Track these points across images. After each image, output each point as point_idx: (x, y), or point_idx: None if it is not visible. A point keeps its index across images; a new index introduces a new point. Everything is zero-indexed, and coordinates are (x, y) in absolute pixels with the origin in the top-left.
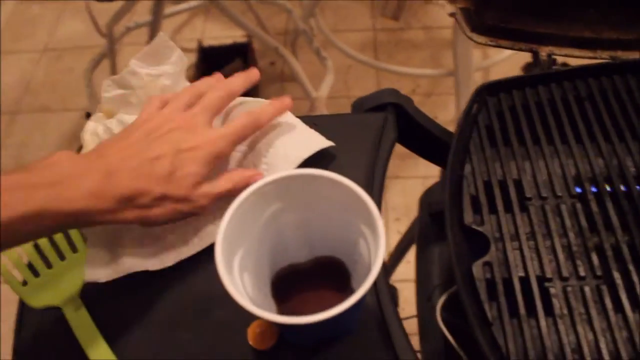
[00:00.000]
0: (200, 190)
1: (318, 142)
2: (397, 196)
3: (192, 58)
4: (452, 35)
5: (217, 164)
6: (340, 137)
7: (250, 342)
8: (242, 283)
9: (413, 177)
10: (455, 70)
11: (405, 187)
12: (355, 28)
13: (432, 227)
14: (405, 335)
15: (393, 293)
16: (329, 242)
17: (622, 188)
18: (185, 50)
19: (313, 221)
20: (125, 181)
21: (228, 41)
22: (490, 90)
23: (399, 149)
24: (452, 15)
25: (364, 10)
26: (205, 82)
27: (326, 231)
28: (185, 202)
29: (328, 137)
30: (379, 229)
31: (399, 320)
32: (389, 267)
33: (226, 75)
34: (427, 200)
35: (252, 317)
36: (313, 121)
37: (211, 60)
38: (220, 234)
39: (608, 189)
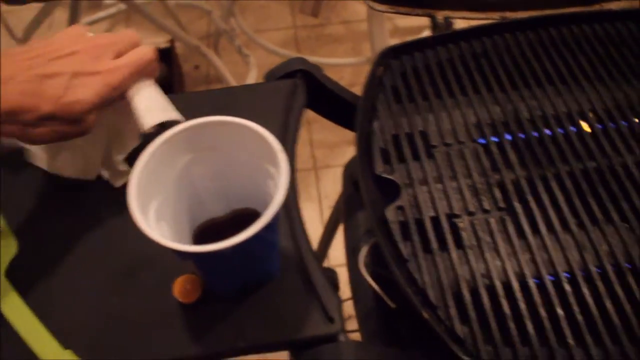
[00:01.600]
0: (91, 115)
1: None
2: (329, 184)
3: None
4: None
5: (115, 99)
6: (254, 103)
7: (176, 296)
8: (160, 231)
9: (342, 165)
10: (372, 55)
11: (336, 175)
12: (277, 27)
13: (356, 195)
14: (329, 286)
15: (332, 276)
16: (244, 193)
17: (518, 132)
18: None
19: (226, 173)
20: (13, 95)
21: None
22: (394, 54)
23: (327, 140)
24: None
25: (283, 9)
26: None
27: (239, 182)
28: (73, 124)
29: (243, 106)
30: (280, 160)
31: (319, 265)
32: (322, 248)
33: None
34: (349, 171)
35: (176, 274)
36: (227, 92)
37: None
38: (134, 179)
39: (506, 133)
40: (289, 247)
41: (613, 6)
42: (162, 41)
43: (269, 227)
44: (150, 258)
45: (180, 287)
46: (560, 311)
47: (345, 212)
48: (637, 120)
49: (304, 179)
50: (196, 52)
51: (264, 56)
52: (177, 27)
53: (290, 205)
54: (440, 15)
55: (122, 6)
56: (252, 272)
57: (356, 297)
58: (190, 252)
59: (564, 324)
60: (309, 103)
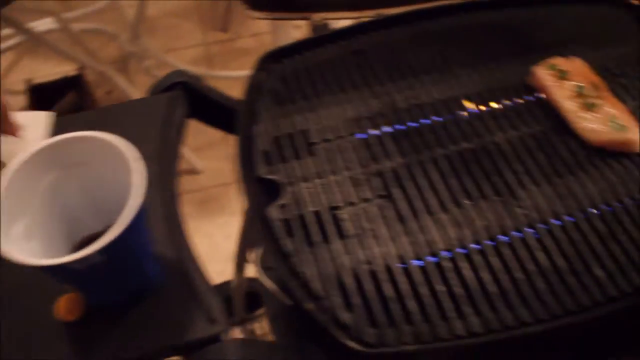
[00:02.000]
0: None
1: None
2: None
3: (23, 100)
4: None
5: None
6: (134, 119)
7: (59, 316)
8: (31, 250)
9: None
10: None
11: None
12: (188, 45)
13: None
14: (211, 288)
15: (254, 285)
16: (116, 207)
17: (396, 123)
18: (15, 93)
19: (96, 188)
20: None
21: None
22: (274, 58)
23: None
24: None
25: (194, 27)
26: None
27: (110, 196)
28: None
29: (123, 122)
30: (133, 168)
31: (201, 269)
32: (240, 257)
33: (60, 111)
34: None
35: (57, 295)
36: (106, 111)
37: (44, 99)
38: None
39: (384, 124)
40: (171, 254)
41: None
42: (70, 69)
43: (129, 236)
44: (29, 282)
45: (62, 307)
46: (440, 287)
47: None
48: (508, 101)
49: (226, 193)
50: (107, 78)
51: None
52: (84, 53)
53: (171, 212)
54: (317, 17)
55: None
56: (127, 281)
57: (265, 299)
58: (45, 266)
59: (444, 298)
60: (193, 113)
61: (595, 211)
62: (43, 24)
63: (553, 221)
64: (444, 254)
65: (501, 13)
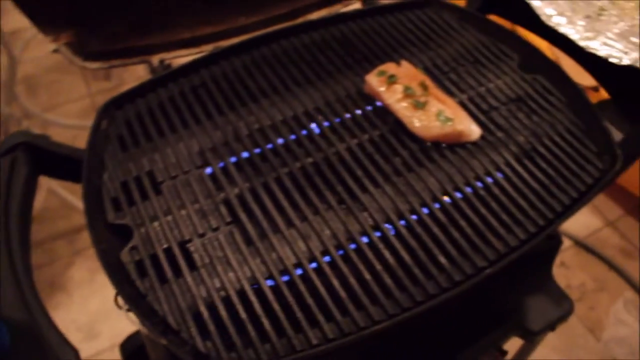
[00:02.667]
0: None
1: None
2: None
3: None
4: None
5: None
6: None
7: None
8: None
9: None
10: None
11: None
12: (72, 98)
13: None
14: (64, 339)
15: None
16: None
17: (240, 150)
18: None
19: None
20: None
21: None
22: (116, 104)
23: None
24: (55, 51)
25: (76, 79)
26: None
27: None
28: None
29: None
30: None
31: (58, 335)
32: None
33: None
34: None
35: None
36: None
37: None
38: None
39: (229, 153)
40: (20, 314)
41: (314, 16)
42: None
43: None
44: None
45: None
46: (292, 301)
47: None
48: (347, 112)
49: None
50: None
51: (61, 132)
52: None
53: (21, 275)
54: (155, 59)
55: None
56: None
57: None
58: None
59: (297, 311)
60: (44, 171)
61: (435, 203)
62: None
63: (396, 219)
64: (296, 271)
65: (331, 30)
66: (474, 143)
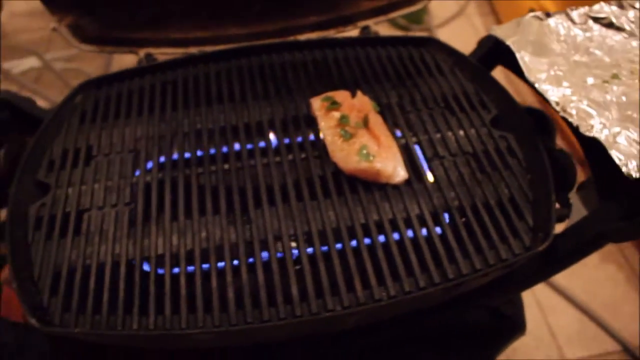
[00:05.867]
0: None
1: None
2: None
3: None
4: None
5: None
6: None
7: None
8: None
9: None
10: None
11: None
12: None
13: None
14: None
15: None
16: None
17: (171, 145)
18: None
19: None
20: None
21: None
22: (96, 84)
23: None
24: (54, 30)
25: None
26: None
27: None
28: None
29: None
30: None
31: None
32: None
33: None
34: None
35: None
36: None
37: None
38: None
39: (160, 147)
40: None
41: (304, 37)
42: None
43: None
44: None
45: None
46: (138, 285)
47: None
48: (286, 130)
49: None
50: None
51: None
52: None
53: None
54: (142, 51)
55: None
56: None
57: None
58: None
59: (136, 297)
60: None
61: (321, 237)
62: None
63: (272, 241)
64: (159, 261)
65: (315, 53)
66: (395, 186)
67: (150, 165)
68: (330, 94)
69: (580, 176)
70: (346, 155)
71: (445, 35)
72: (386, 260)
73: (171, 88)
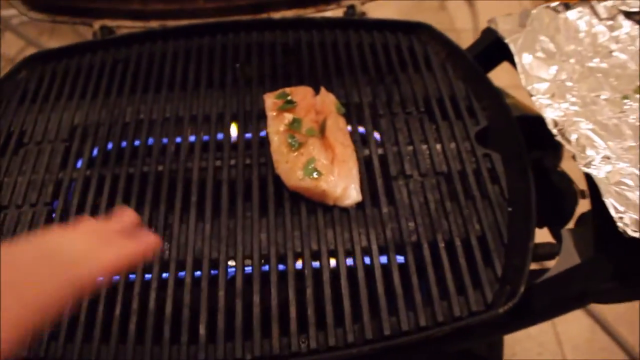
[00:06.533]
0: None
1: None
2: None
3: None
4: None
5: None
6: None
7: None
8: None
9: None
10: None
11: None
12: None
13: None
14: None
15: None
16: None
17: (111, 136)
18: None
19: None
20: None
21: None
22: (43, 59)
23: None
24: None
25: None
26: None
27: None
28: None
29: None
30: None
31: None
32: None
33: None
34: None
35: None
36: None
37: None
38: None
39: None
40: None
41: (279, 15)
42: None
43: None
44: None
45: None
46: None
47: None
48: (232, 131)
49: None
50: None
51: None
52: None
53: None
54: (97, 24)
55: None
56: None
57: None
58: None
59: None
60: None
61: (242, 261)
62: None
63: (191, 262)
64: None
65: (289, 35)
66: (345, 209)
67: (79, 160)
68: (288, 89)
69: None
70: (290, 168)
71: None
72: (314, 302)
73: (122, 67)
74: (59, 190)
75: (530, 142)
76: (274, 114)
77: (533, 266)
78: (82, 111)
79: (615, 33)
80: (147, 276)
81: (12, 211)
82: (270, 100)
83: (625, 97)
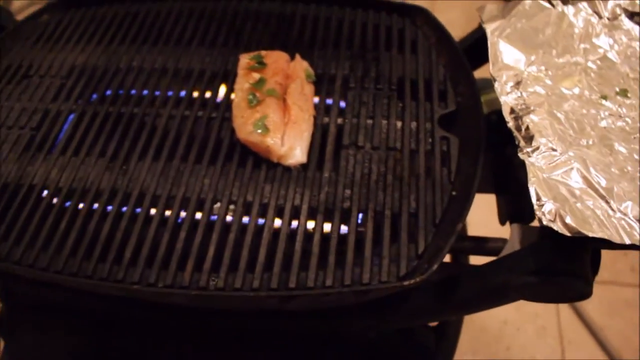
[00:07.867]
0: None
1: None
2: None
3: None
4: None
5: None
6: None
7: None
8: None
9: None
10: None
11: None
12: None
13: None
14: None
15: None
16: None
17: (102, 78)
18: None
19: None
20: None
21: None
22: (67, 5)
23: None
24: None
25: None
26: None
27: None
28: None
29: None
30: None
31: None
32: None
33: None
34: None
35: None
36: None
37: None
38: None
39: (89, 80)
40: None
41: None
42: None
43: None
44: None
45: None
46: None
47: None
48: (208, 85)
49: None
50: None
51: None
52: None
53: None
54: None
55: None
56: None
57: None
58: None
59: None
60: None
61: (177, 201)
62: None
63: (136, 195)
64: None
65: (287, 7)
66: (288, 168)
67: (69, 96)
68: (263, 52)
69: None
70: (243, 122)
71: None
72: (233, 246)
73: (130, 20)
74: (45, 119)
75: (506, 137)
76: (244, 72)
77: (484, 260)
78: (85, 54)
79: (614, 33)
80: (94, 206)
81: (3, 131)
82: (244, 60)
83: (604, 97)
